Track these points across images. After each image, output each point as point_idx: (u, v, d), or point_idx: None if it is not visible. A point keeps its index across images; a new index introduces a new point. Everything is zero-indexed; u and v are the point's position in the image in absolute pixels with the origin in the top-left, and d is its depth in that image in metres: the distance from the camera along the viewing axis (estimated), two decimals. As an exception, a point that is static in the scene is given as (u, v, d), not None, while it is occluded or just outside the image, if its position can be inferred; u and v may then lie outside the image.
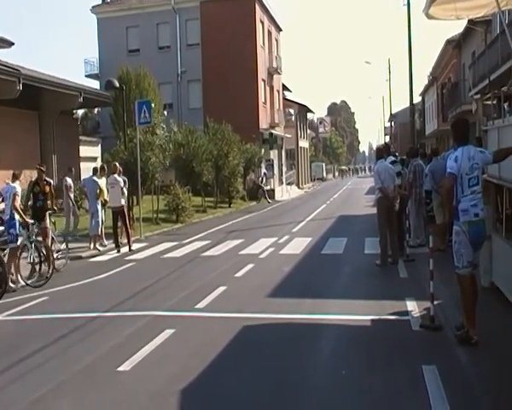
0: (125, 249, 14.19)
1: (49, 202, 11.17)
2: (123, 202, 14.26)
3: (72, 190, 15.95)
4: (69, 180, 15.75)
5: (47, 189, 11.09)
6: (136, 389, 5.16)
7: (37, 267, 10.80)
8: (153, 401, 4.89)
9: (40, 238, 10.87)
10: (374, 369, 5.42)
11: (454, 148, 6.48)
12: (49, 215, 11.30)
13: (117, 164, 14.98)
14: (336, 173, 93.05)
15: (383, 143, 43.58)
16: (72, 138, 26.22)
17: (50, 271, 10.49)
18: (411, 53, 24.54)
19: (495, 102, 8.75)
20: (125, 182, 14.66)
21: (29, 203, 11.15)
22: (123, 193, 14.22)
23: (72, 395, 5.12)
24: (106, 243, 14.70)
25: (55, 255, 11.32)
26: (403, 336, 6.36)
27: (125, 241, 14.56)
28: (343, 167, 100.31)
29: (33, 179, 11.37)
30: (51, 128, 23.66)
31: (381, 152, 11.61)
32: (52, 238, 11.53)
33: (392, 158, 11.83)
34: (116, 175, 14.33)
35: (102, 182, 14.47)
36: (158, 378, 5.34)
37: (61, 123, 24.13)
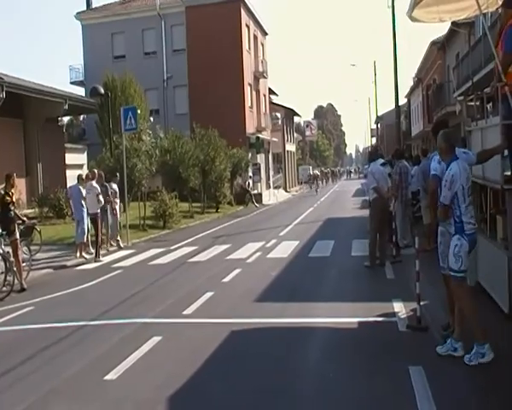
0: (109, 258, 14.09)
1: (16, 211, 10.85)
2: (98, 209, 14.14)
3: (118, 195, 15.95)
4: (114, 186, 15.80)
5: (14, 198, 10.73)
6: (122, 397, 5.13)
7: (2, 279, 10.24)
8: (139, 409, 4.85)
9: (8, 249, 10.39)
10: (361, 371, 5.43)
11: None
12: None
13: (95, 171, 14.95)
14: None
15: (374, 145, 43.71)
16: (57, 146, 26.04)
17: (15, 283, 10.15)
18: (396, 55, 24.69)
19: (478, 103, 8.81)
20: (106, 189, 14.66)
21: None
22: (98, 200, 13.99)
23: (59, 405, 5.07)
24: (92, 250, 14.59)
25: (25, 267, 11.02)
26: (390, 337, 6.38)
27: (112, 248, 14.41)
28: (316, 171, 65.08)
29: (2, 189, 10.69)
30: (36, 136, 23.51)
31: (373, 154, 11.83)
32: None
33: (381, 160, 11.94)
34: (93, 182, 14.22)
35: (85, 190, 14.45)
36: (145, 386, 5.31)
37: (46, 131, 23.97)
